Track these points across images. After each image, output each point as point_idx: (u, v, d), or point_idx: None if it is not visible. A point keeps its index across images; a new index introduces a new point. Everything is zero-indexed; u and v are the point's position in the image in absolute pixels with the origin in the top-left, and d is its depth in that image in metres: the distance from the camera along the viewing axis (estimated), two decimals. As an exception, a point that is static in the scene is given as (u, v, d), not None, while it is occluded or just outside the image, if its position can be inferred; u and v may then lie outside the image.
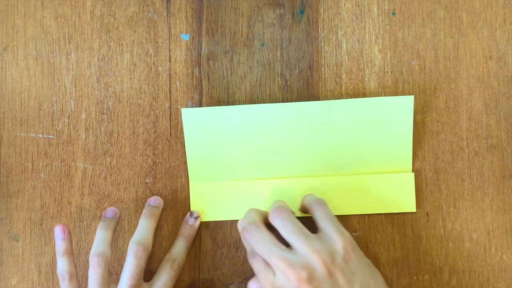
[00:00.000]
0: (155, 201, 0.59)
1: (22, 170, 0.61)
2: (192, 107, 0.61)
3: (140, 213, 0.58)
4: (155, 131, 0.61)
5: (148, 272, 0.58)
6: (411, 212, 0.59)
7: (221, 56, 0.61)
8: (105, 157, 0.61)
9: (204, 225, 0.60)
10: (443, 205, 0.60)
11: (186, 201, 0.60)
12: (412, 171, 0.60)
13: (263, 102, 0.61)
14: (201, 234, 0.60)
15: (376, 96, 0.60)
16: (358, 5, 0.61)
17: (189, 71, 0.61)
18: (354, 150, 0.59)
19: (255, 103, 0.60)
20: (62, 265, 0.56)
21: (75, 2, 0.62)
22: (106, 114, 0.61)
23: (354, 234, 0.59)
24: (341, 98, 0.60)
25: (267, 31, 0.61)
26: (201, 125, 0.59)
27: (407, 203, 0.59)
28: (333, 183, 0.59)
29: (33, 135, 0.61)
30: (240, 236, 0.58)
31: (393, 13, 0.61)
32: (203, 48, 0.61)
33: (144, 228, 0.57)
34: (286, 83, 0.61)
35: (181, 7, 0.62)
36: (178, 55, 0.61)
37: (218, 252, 0.60)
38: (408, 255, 0.59)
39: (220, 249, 0.60)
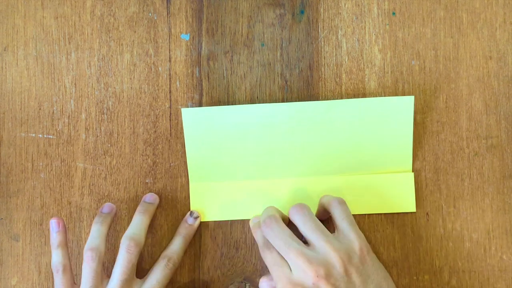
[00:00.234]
0: (150, 197, 0.59)
1: (22, 170, 0.61)
2: (192, 107, 0.61)
3: (140, 213, 0.59)
4: (155, 131, 0.61)
5: (146, 271, 0.58)
6: (411, 212, 0.59)
7: (221, 56, 0.61)
8: (105, 157, 0.61)
9: (204, 225, 0.60)
10: (443, 205, 0.60)
11: (186, 201, 0.60)
12: (412, 171, 0.60)
13: (263, 102, 0.61)
14: (201, 234, 0.60)
15: (376, 96, 0.60)
16: (358, 5, 0.61)
17: (189, 71, 0.61)
18: (354, 150, 0.59)
19: (255, 103, 0.60)
20: (57, 257, 0.56)
21: (75, 2, 0.62)
22: (106, 114, 0.61)
23: (354, 234, 0.59)
24: (341, 98, 0.60)
25: (267, 31, 0.61)
26: (201, 125, 0.59)
27: (407, 203, 0.59)
28: (333, 183, 0.59)
29: (33, 135, 0.61)
30: (238, 236, 0.58)
31: (393, 13, 0.61)
32: (203, 48, 0.61)
33: (137, 224, 0.57)
34: (286, 83, 0.61)
35: (181, 7, 0.62)
36: (178, 55, 0.61)
37: (218, 252, 0.60)
38: (408, 255, 0.59)
39: (220, 249, 0.60)
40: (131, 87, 0.61)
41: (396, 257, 0.59)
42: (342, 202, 0.55)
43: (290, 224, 0.55)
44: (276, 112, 0.58)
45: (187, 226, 0.59)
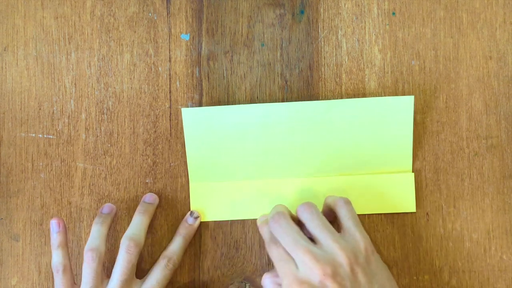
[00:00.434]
0: (150, 198, 0.59)
1: (22, 170, 0.61)
2: (192, 107, 0.61)
3: (140, 213, 0.59)
4: (155, 131, 0.61)
5: (146, 272, 0.58)
6: (411, 212, 0.59)
7: (221, 56, 0.61)
8: (105, 157, 0.61)
9: (204, 225, 0.60)
10: (443, 205, 0.60)
11: (186, 201, 0.60)
12: (412, 171, 0.60)
13: (263, 102, 0.61)
14: (201, 234, 0.60)
15: (376, 96, 0.60)
16: (358, 5, 0.61)
17: (189, 71, 0.61)
18: (354, 150, 0.59)
19: (255, 103, 0.60)
20: (57, 257, 0.56)
21: (75, 2, 0.62)
22: (106, 114, 0.61)
23: (354, 234, 0.59)
24: (341, 98, 0.60)
25: (267, 31, 0.61)
26: (201, 125, 0.59)
27: (407, 203, 0.59)
28: (333, 183, 0.59)
29: (33, 135, 0.61)
30: (238, 236, 0.58)
31: (393, 13, 0.61)
32: (203, 48, 0.61)
33: (137, 224, 0.57)
34: (286, 83, 0.61)
35: (181, 7, 0.62)
36: (178, 55, 0.61)
37: (218, 252, 0.60)
38: (408, 255, 0.59)
39: (220, 249, 0.60)
40: (131, 87, 0.61)
41: (396, 257, 0.59)
42: (347, 202, 0.55)
43: (297, 223, 0.55)
44: (276, 112, 0.58)
45: (187, 226, 0.59)
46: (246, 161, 0.59)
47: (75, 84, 0.61)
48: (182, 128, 0.60)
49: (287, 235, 0.52)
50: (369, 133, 0.58)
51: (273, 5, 0.61)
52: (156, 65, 0.61)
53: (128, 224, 0.59)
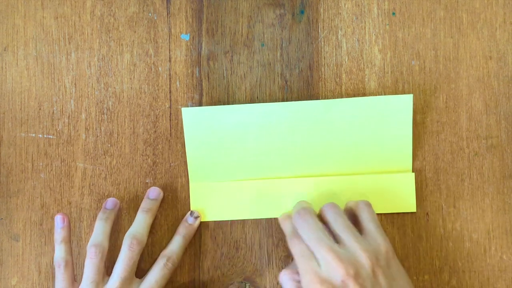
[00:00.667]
0: (154, 193, 0.59)
1: (22, 170, 0.61)
2: (192, 107, 0.61)
3: (140, 212, 0.59)
4: (155, 131, 0.61)
5: (145, 271, 0.58)
6: (411, 212, 0.59)
7: (221, 56, 0.61)
8: (105, 157, 0.61)
9: (204, 225, 0.60)
10: (443, 205, 0.60)
11: (186, 201, 0.60)
12: (412, 171, 0.60)
13: (263, 102, 0.61)
14: (201, 234, 0.60)
15: (376, 96, 0.60)
16: (358, 5, 0.61)
17: (189, 71, 0.61)
18: (354, 149, 0.59)
19: (255, 103, 0.60)
20: (59, 252, 0.56)
21: (75, 2, 0.62)
22: (106, 114, 0.61)
23: (354, 234, 0.59)
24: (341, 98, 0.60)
25: (267, 31, 0.61)
26: (201, 125, 0.59)
27: (407, 203, 0.59)
28: (333, 183, 0.59)
29: (33, 135, 0.61)
30: (238, 236, 0.58)
31: (393, 13, 0.61)
32: (203, 48, 0.61)
33: (140, 223, 0.57)
34: (286, 83, 0.61)
35: (181, 7, 0.62)
36: (178, 55, 0.61)
37: (218, 252, 0.60)
38: (408, 255, 0.59)
39: (220, 249, 0.60)
40: (131, 87, 0.61)
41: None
42: (368, 205, 0.55)
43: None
44: (275, 112, 0.58)
45: (187, 226, 0.59)
46: (246, 161, 0.59)
47: (75, 84, 0.61)
48: (182, 128, 0.60)
49: (312, 232, 0.52)
50: (369, 132, 0.58)
51: (273, 5, 0.61)
52: (156, 65, 0.61)
53: (128, 224, 0.59)
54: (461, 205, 0.60)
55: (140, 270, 0.58)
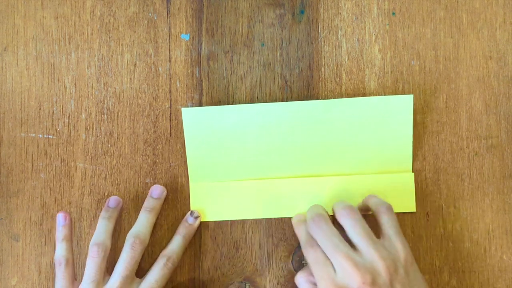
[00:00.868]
0: (156, 191, 0.59)
1: (22, 170, 0.61)
2: (192, 107, 0.61)
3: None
4: (155, 131, 0.61)
5: (145, 271, 0.58)
6: (411, 212, 0.59)
7: (221, 56, 0.61)
8: (105, 157, 0.61)
9: (204, 225, 0.60)
10: (443, 205, 0.60)
11: (186, 201, 0.60)
12: (412, 171, 0.60)
13: (263, 102, 0.61)
14: (201, 234, 0.60)
15: (376, 96, 0.60)
16: (358, 5, 0.61)
17: (189, 71, 0.61)
18: (354, 149, 0.59)
19: (255, 103, 0.60)
20: (60, 250, 0.56)
21: (75, 2, 0.62)
22: (106, 114, 0.61)
23: (354, 234, 0.59)
24: (341, 98, 0.60)
25: (267, 31, 0.61)
26: (201, 125, 0.59)
27: (407, 203, 0.59)
28: (333, 183, 0.59)
29: (33, 135, 0.61)
30: (238, 236, 0.58)
31: (393, 13, 0.61)
32: (203, 48, 0.61)
33: (143, 222, 0.57)
34: (286, 83, 0.61)
35: (181, 7, 0.62)
36: (178, 55, 0.61)
37: (218, 252, 0.60)
38: (408, 255, 0.59)
39: (220, 249, 0.60)
40: (131, 87, 0.61)
41: (396, 257, 0.59)
42: (390, 209, 0.55)
43: (336, 226, 0.54)
44: (275, 112, 0.58)
45: (187, 226, 0.59)
46: (246, 161, 0.59)
47: (75, 84, 0.61)
48: (182, 128, 0.60)
49: (327, 239, 0.52)
50: (369, 132, 0.58)
51: (273, 5, 0.61)
52: (156, 65, 0.61)
53: (128, 224, 0.59)
54: (461, 205, 0.60)
55: (140, 269, 0.58)
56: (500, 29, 0.61)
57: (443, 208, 0.59)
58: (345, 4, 0.61)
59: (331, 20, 0.61)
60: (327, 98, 0.60)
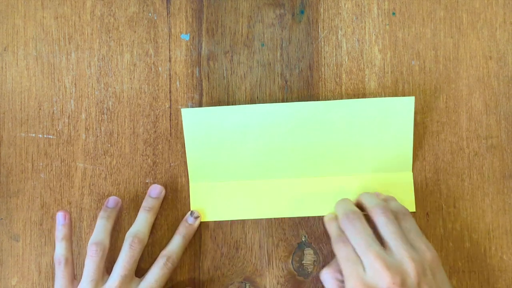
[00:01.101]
0: (155, 191, 0.59)
1: (22, 170, 0.61)
2: (192, 107, 0.61)
3: (141, 212, 0.59)
4: (155, 131, 0.61)
5: (145, 271, 0.58)
6: (411, 212, 0.59)
7: (221, 56, 0.61)
8: (105, 157, 0.61)
9: (204, 225, 0.60)
10: (443, 205, 0.60)
11: (186, 201, 0.60)
12: (412, 171, 0.60)
13: (263, 102, 0.61)
14: (201, 234, 0.60)
15: (376, 96, 0.60)
16: (358, 5, 0.61)
17: (189, 71, 0.61)
18: (355, 150, 0.59)
19: (255, 103, 0.61)
20: (60, 249, 0.56)
21: (75, 2, 0.62)
22: (106, 114, 0.61)
23: (354, 234, 0.59)
24: (341, 98, 0.60)
25: (267, 31, 0.61)
26: (201, 125, 0.59)
27: (406, 202, 0.59)
28: (333, 183, 0.59)
29: (33, 135, 0.61)
30: (238, 236, 0.58)
31: (393, 13, 0.61)
32: (203, 48, 0.61)
33: (142, 221, 0.57)
34: (286, 83, 0.61)
35: (181, 7, 0.62)
36: (178, 55, 0.61)
37: (218, 252, 0.60)
38: (408, 255, 0.59)
39: (220, 249, 0.60)
40: (131, 87, 0.61)
41: (396, 257, 0.59)
42: (408, 214, 0.55)
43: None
44: (276, 112, 0.58)
45: (187, 226, 0.59)
46: (246, 161, 0.59)
47: (75, 84, 0.61)
48: (182, 128, 0.60)
49: (360, 237, 0.52)
50: (370, 134, 0.58)
51: (273, 5, 0.61)
52: (156, 65, 0.61)
53: (128, 224, 0.59)
54: (461, 205, 0.60)
55: (140, 269, 0.58)
56: (500, 29, 0.61)
57: (443, 208, 0.59)
58: (345, 4, 0.61)
59: (331, 20, 0.61)
60: (327, 98, 0.61)
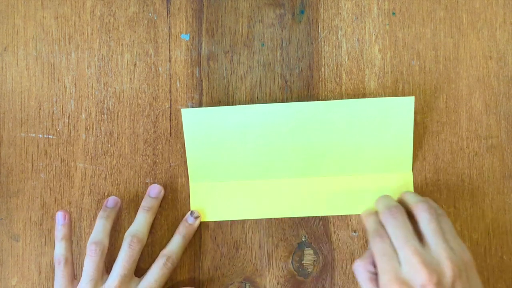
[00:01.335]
0: (154, 191, 0.59)
1: (22, 170, 0.61)
2: (192, 107, 0.61)
3: (141, 212, 0.59)
4: (155, 131, 0.61)
5: (145, 271, 0.58)
6: (411, 212, 0.59)
7: (221, 56, 0.61)
8: (105, 157, 0.61)
9: (204, 225, 0.60)
10: (443, 205, 0.60)
11: (186, 201, 0.60)
12: (412, 171, 0.60)
13: (263, 102, 0.61)
14: (201, 234, 0.60)
15: (376, 96, 0.60)
16: (358, 5, 0.61)
17: (189, 71, 0.61)
18: (355, 150, 0.59)
19: (255, 103, 0.60)
20: (60, 249, 0.57)
21: (75, 2, 0.62)
22: (106, 114, 0.61)
23: (354, 234, 0.59)
24: (341, 98, 0.60)
25: (267, 31, 0.61)
26: (201, 125, 0.59)
27: (407, 203, 0.59)
28: (333, 183, 0.59)
29: (33, 135, 0.61)
30: (238, 236, 0.58)
31: (393, 13, 0.61)
32: (203, 48, 0.61)
33: (141, 221, 0.58)
34: (286, 83, 0.61)
35: (181, 7, 0.62)
36: (178, 55, 0.61)
37: (218, 252, 0.60)
38: (408, 255, 0.59)
39: (220, 249, 0.60)
40: (131, 87, 0.61)
41: (396, 257, 0.59)
42: (444, 214, 0.54)
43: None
44: (276, 112, 0.58)
45: (187, 226, 0.59)
46: (246, 161, 0.59)
47: (75, 84, 0.61)
48: (182, 128, 0.60)
49: (400, 230, 0.52)
50: (370, 134, 0.58)
51: (273, 5, 0.61)
52: (156, 65, 0.61)
53: (128, 224, 0.59)
54: (461, 205, 0.60)
55: (140, 269, 0.58)
56: (500, 29, 0.61)
57: (443, 208, 0.59)
58: (345, 4, 0.61)
59: (331, 20, 0.61)
60: (327, 98, 0.60)
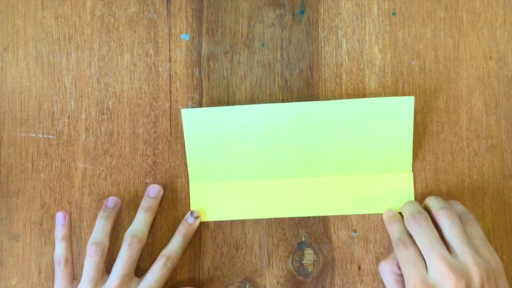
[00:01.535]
0: (153, 191, 0.59)
1: (22, 170, 0.61)
2: (192, 107, 0.61)
3: (141, 212, 0.59)
4: (155, 131, 0.61)
5: (145, 271, 0.58)
6: (411, 212, 0.59)
7: (221, 56, 0.61)
8: (105, 157, 0.61)
9: (204, 225, 0.60)
10: (443, 205, 0.59)
11: (186, 201, 0.60)
12: (412, 171, 0.60)
13: (263, 102, 0.61)
14: (201, 234, 0.60)
15: (376, 96, 0.60)
16: (358, 5, 0.61)
17: (189, 71, 0.61)
18: (354, 150, 0.59)
19: (255, 103, 0.61)
20: (60, 250, 0.57)
21: (75, 2, 0.62)
22: (106, 114, 0.61)
23: (354, 234, 0.59)
24: (341, 98, 0.60)
25: (267, 31, 0.61)
26: (201, 126, 0.59)
27: (407, 203, 0.59)
28: (333, 183, 0.59)
29: (33, 135, 0.61)
30: (238, 236, 0.58)
31: (393, 13, 0.61)
32: (203, 48, 0.61)
33: (140, 221, 0.58)
34: (286, 83, 0.61)
35: (181, 7, 0.62)
36: (178, 55, 0.61)
37: (218, 252, 0.60)
38: (408, 255, 0.59)
39: (220, 249, 0.60)
40: (131, 87, 0.61)
41: (396, 257, 0.59)
42: (473, 219, 0.55)
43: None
44: (276, 112, 0.58)
45: (187, 226, 0.59)
46: (246, 161, 0.59)
47: (75, 84, 0.61)
48: (182, 128, 0.60)
49: (425, 237, 0.52)
50: (369, 134, 0.58)
51: (273, 5, 0.61)
52: (156, 65, 0.61)
53: (128, 224, 0.59)
54: (461, 205, 0.60)
55: (140, 269, 0.58)
56: (500, 29, 0.61)
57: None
58: (345, 4, 0.61)
59: (331, 20, 0.61)
60: (327, 98, 0.61)
